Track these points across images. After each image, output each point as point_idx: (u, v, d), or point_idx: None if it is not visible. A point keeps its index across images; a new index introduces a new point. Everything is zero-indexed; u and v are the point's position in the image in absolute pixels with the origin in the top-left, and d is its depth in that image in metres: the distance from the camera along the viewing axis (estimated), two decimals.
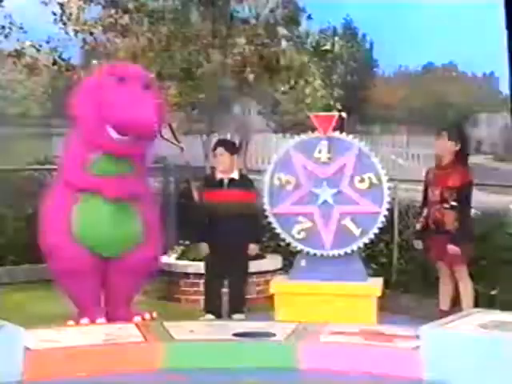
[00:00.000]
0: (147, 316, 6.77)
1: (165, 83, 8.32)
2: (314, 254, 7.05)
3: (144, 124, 6.27)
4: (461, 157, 7.14)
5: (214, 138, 8.73)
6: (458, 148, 7.12)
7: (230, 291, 7.60)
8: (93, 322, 6.50)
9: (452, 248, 7.00)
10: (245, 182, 7.63)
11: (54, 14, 8.45)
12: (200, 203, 7.61)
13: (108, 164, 6.49)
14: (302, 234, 7.07)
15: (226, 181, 7.47)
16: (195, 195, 8.43)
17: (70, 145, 6.78)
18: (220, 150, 7.57)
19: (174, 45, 8.38)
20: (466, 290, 7.09)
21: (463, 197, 7.02)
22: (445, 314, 6.80)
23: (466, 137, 7.46)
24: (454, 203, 7.02)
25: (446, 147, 7.14)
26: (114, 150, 6.45)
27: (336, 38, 9.10)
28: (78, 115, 6.59)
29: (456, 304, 7.18)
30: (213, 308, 7.48)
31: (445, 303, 7.21)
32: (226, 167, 7.55)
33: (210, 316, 7.39)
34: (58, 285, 6.82)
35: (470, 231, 7.14)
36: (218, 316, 7.42)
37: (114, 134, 6.38)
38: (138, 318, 6.71)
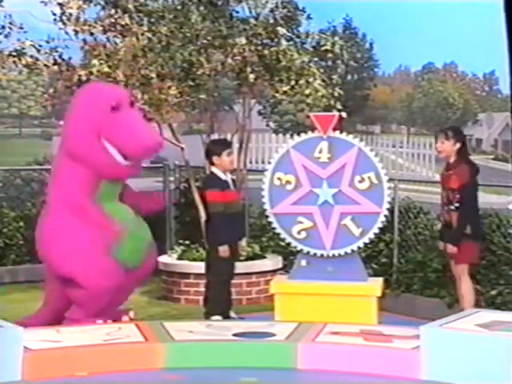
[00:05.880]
0: (125, 318, 6.78)
1: (165, 83, 8.31)
2: (314, 254, 7.04)
3: (154, 147, 6.54)
4: (462, 156, 7.12)
5: (215, 138, 8.73)
6: (458, 147, 7.10)
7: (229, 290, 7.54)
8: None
9: (450, 247, 7.00)
10: (234, 182, 7.68)
11: (54, 13, 8.43)
12: (218, 205, 7.25)
13: (111, 189, 6.64)
14: (302, 234, 7.06)
15: (229, 180, 7.44)
16: (199, 197, 8.32)
17: (67, 167, 6.58)
18: (230, 149, 7.52)
19: (174, 45, 8.36)
20: (465, 289, 7.05)
21: (464, 197, 6.98)
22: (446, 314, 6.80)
23: (465, 135, 7.44)
24: (457, 204, 7.00)
25: (447, 147, 7.12)
26: (121, 175, 6.67)
27: (336, 38, 9.08)
28: (74, 139, 6.55)
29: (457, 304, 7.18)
30: (222, 310, 7.29)
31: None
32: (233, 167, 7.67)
33: (218, 318, 7.22)
34: (82, 305, 6.49)
35: (475, 231, 7.07)
36: (227, 317, 7.31)
37: (120, 160, 6.50)
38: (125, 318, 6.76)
